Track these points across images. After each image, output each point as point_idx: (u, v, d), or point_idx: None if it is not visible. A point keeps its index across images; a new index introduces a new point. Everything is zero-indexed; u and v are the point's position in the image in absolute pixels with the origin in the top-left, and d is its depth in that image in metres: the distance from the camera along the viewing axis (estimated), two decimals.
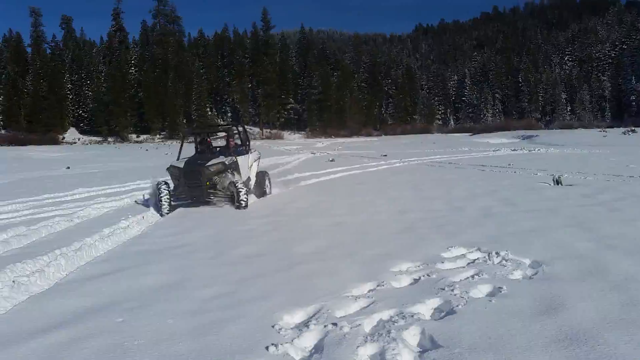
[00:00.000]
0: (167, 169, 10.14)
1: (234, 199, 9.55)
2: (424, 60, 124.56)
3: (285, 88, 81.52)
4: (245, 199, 9.46)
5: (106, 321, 3.79)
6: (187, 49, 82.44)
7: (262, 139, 70.75)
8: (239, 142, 12.11)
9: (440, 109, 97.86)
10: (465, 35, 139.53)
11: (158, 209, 9.39)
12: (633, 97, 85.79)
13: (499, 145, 38.38)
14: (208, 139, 11.61)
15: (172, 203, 9.58)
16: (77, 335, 3.54)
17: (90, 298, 4.37)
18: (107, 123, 68.99)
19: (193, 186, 9.65)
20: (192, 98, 74.48)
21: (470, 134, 65.83)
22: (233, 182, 9.69)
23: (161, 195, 9.35)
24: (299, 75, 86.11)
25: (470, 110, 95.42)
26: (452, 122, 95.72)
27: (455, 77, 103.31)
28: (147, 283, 4.77)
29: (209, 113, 78.01)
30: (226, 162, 10.02)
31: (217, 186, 9.83)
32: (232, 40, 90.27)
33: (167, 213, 9.20)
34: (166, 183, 9.74)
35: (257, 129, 78.71)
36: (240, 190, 9.45)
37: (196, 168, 9.62)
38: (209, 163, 9.75)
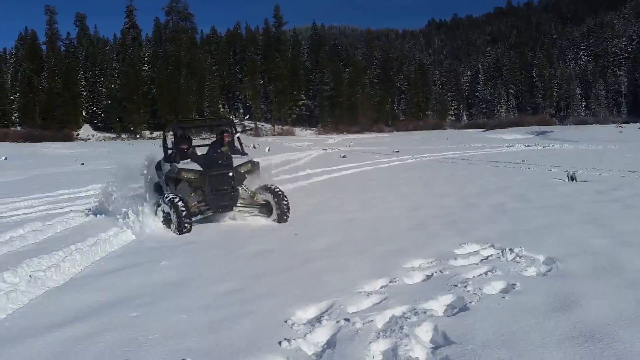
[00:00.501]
0: (173, 173, 7.52)
1: (268, 209, 7.71)
2: (437, 55, 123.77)
3: (297, 84, 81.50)
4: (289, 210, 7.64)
5: (120, 316, 3.84)
6: (199, 45, 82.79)
7: (274, 135, 70.89)
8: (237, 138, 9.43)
9: (453, 104, 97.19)
10: (479, 30, 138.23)
11: (174, 226, 7.03)
12: None
13: (513, 141, 38.05)
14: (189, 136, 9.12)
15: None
16: (92, 329, 3.59)
17: (104, 293, 4.42)
18: (121, 120, 69.63)
19: (223, 194, 7.44)
20: (205, 95, 74.83)
21: (484, 129, 65.32)
22: (268, 187, 7.82)
23: (179, 210, 6.92)
24: (310, 72, 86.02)
25: (483, 105, 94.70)
26: (465, 118, 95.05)
27: (469, 73, 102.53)
28: (161, 279, 4.81)
29: (221, 110, 78.30)
30: (254, 162, 8.10)
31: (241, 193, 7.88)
32: (244, 37, 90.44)
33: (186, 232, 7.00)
34: (177, 196, 7.29)
35: (268, 126, 78.87)
36: (284, 198, 7.60)
37: (226, 170, 7.52)
38: (238, 163, 7.73)
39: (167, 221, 7.14)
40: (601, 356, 2.91)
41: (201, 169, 7.49)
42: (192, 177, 7.47)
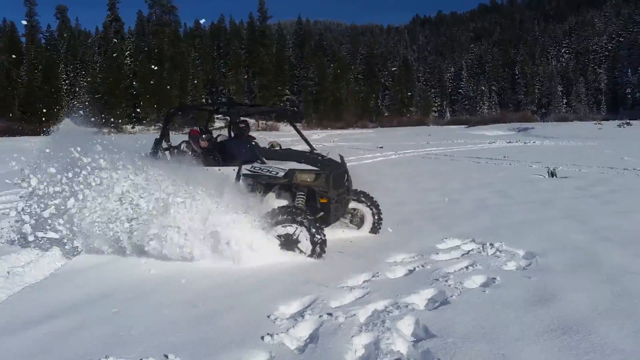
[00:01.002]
0: (271, 176, 5.52)
1: (360, 219, 6.42)
2: (421, 52, 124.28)
3: (282, 79, 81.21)
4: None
5: (101, 312, 3.79)
6: (183, 39, 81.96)
7: (258, 130, 70.61)
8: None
9: (436, 101, 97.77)
10: (463, 26, 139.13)
11: (306, 250, 5.16)
12: (629, 90, 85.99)
13: (495, 137, 38.39)
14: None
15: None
16: (72, 325, 3.54)
17: (85, 288, 4.36)
18: (102, 113, 68.72)
19: (341, 200, 5.80)
20: (188, 89, 74.19)
21: (466, 126, 65.80)
22: (360, 192, 6.44)
23: (318, 229, 5.16)
24: (295, 67, 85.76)
25: (466, 102, 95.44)
26: (448, 114, 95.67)
27: (452, 69, 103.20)
28: (143, 274, 4.76)
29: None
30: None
31: None
32: (229, 31, 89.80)
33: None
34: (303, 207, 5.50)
35: (252, 121, 78.51)
36: (379, 205, 6.42)
37: (343, 169, 5.95)
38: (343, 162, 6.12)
39: (288, 243, 5.18)
40: (578, 348, 2.98)
41: (314, 167, 5.59)
42: (309, 180, 5.52)
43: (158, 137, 6.32)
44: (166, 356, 3.02)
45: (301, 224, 5.12)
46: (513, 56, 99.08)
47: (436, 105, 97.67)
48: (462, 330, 3.26)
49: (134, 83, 72.13)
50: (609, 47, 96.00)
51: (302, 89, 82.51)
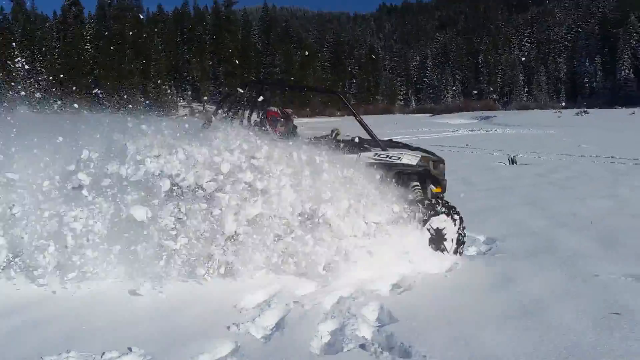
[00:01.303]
0: (415, 162, 5.01)
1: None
2: (387, 40, 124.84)
3: (247, 66, 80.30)
4: None
5: (61, 306, 3.68)
6: (145, 24, 79.88)
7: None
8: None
9: (402, 89, 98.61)
10: (428, 15, 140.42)
11: (449, 248, 4.73)
12: (586, 79, 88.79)
13: (458, 125, 39.05)
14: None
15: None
16: (30, 320, 3.42)
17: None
18: (61, 101, 66.57)
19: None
20: (151, 75, 72.51)
21: (431, 114, 66.72)
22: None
23: (463, 225, 4.85)
24: (261, 54, 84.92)
25: (431, 91, 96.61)
26: (414, 103, 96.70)
27: (418, 58, 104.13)
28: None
29: (168, 91, 76.18)
30: None
31: None
32: (193, 16, 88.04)
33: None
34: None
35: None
36: None
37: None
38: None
39: (437, 239, 4.64)
40: (535, 329, 3.10)
41: (431, 155, 5.17)
42: (432, 168, 5.07)
43: (205, 122, 5.38)
44: (130, 349, 2.97)
45: (454, 219, 4.68)
46: (477, 45, 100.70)
47: (402, 93, 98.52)
48: (425, 315, 3.34)
49: (94, 70, 70.03)
50: (568, 37, 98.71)
51: (268, 77, 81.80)
